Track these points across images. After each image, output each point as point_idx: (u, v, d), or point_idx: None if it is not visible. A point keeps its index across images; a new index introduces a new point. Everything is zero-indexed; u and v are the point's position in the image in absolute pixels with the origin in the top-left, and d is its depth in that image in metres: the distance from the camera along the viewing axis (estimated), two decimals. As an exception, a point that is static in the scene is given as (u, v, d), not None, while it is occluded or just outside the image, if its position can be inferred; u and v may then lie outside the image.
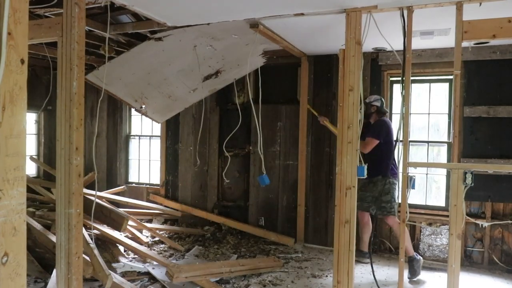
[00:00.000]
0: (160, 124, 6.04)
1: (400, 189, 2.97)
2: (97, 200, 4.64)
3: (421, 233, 4.53)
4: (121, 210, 5.28)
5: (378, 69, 4.69)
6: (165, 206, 5.80)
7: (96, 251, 3.45)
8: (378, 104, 4.24)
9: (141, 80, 4.72)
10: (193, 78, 4.85)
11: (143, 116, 6.40)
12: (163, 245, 4.80)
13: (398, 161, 3.18)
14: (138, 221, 4.97)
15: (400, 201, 2.96)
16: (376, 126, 4.16)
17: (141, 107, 4.98)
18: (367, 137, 4.06)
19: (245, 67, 4.56)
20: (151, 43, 4.16)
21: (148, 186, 6.09)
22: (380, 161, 4.00)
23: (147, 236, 5.01)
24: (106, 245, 4.32)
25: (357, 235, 3.40)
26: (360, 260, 4.28)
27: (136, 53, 4.31)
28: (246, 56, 4.30)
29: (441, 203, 4.64)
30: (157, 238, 4.98)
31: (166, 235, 5.22)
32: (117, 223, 4.22)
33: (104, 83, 3.83)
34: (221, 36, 4.09)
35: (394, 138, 4.00)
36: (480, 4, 2.78)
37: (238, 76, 5.06)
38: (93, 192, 5.15)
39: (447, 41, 3.98)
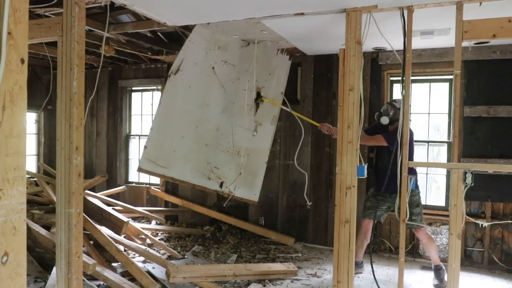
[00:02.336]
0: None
1: (400, 189, 2.97)
2: (98, 203, 4.67)
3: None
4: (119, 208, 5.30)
5: (378, 69, 4.68)
6: (165, 203, 5.80)
7: (134, 260, 3.58)
8: (382, 120, 3.92)
9: (195, 143, 3.96)
10: (241, 113, 4.03)
11: (143, 116, 6.41)
12: (165, 244, 4.80)
13: (401, 162, 3.05)
14: (139, 228, 4.97)
15: (400, 201, 2.96)
16: (396, 133, 3.69)
17: (221, 185, 3.95)
18: (379, 135, 3.76)
19: (278, 72, 4.01)
20: (174, 80, 3.77)
21: (148, 186, 6.09)
22: (411, 173, 3.69)
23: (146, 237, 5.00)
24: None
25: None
26: (358, 271, 4.01)
27: (168, 103, 3.81)
28: (269, 60, 3.94)
29: (441, 203, 4.64)
30: (157, 238, 4.98)
31: (166, 235, 5.22)
32: (117, 226, 4.24)
33: (162, 166, 3.48)
34: (224, 40, 3.99)
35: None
36: (480, 4, 2.78)
37: (282, 86, 4.23)
38: (96, 194, 5.20)
39: (447, 41, 3.98)
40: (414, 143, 4.40)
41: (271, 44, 3.91)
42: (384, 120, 3.81)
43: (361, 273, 4.07)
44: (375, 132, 3.92)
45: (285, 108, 4.12)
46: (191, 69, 3.80)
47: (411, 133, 3.85)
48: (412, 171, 3.68)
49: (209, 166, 3.95)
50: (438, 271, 3.80)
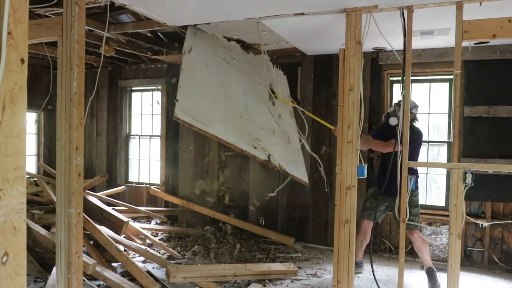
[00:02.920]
0: (160, 124, 6.05)
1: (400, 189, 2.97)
2: (98, 203, 4.67)
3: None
4: (120, 207, 5.30)
5: (378, 69, 4.68)
6: (165, 203, 5.80)
7: (134, 260, 3.55)
8: (415, 112, 3.86)
9: (229, 112, 3.74)
10: (261, 101, 3.97)
11: (143, 116, 6.41)
12: (164, 244, 4.80)
13: (401, 162, 3.03)
14: (139, 228, 4.96)
15: (400, 201, 2.96)
16: (411, 135, 3.71)
17: (268, 158, 3.65)
18: (393, 140, 3.60)
19: (280, 82, 3.98)
20: (189, 57, 3.64)
21: (148, 186, 6.09)
22: (412, 173, 3.72)
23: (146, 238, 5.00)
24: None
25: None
26: (358, 271, 4.03)
27: (190, 72, 3.63)
28: (269, 70, 3.87)
29: (441, 203, 4.64)
30: (157, 238, 4.98)
31: (166, 235, 5.22)
32: (117, 226, 4.24)
33: (201, 122, 3.22)
34: (227, 43, 4.07)
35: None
36: (480, 4, 2.78)
37: (287, 96, 4.23)
38: (96, 194, 5.21)
39: (447, 41, 3.98)
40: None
41: (266, 57, 3.93)
42: (393, 121, 3.72)
43: (360, 273, 4.06)
44: (383, 135, 3.85)
45: (298, 107, 4.11)
46: (203, 54, 3.73)
47: (421, 134, 3.83)
48: (413, 171, 3.68)
49: (250, 136, 3.65)
50: (431, 273, 3.78)
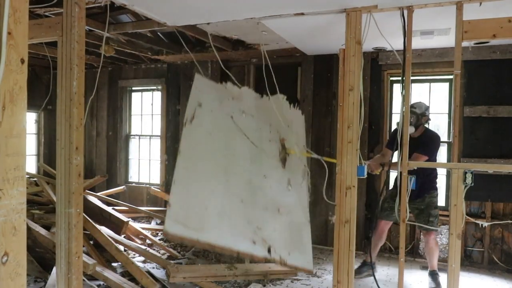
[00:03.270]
0: (160, 124, 6.05)
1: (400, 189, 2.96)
2: (98, 203, 4.66)
3: (421, 233, 4.53)
4: (121, 207, 5.29)
5: (378, 69, 4.68)
6: (165, 202, 5.79)
7: (134, 260, 3.52)
8: (428, 114, 3.76)
9: (229, 198, 3.27)
10: (270, 164, 3.50)
11: (143, 116, 6.42)
12: (164, 244, 4.79)
13: (402, 162, 3.03)
14: (139, 228, 4.96)
15: (400, 201, 2.96)
16: (429, 142, 3.68)
17: (269, 249, 3.19)
18: (415, 153, 3.53)
19: (295, 125, 3.58)
20: (191, 128, 3.20)
21: (148, 186, 6.09)
22: (436, 175, 3.78)
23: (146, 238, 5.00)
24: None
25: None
26: (370, 273, 3.85)
27: (189, 152, 3.20)
28: (284, 113, 3.52)
29: (441, 203, 4.63)
30: (157, 238, 4.98)
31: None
32: (117, 226, 4.24)
33: (194, 229, 2.86)
34: (236, 91, 3.60)
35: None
36: (480, 4, 2.78)
37: (303, 139, 3.77)
38: (97, 194, 5.21)
39: (447, 41, 3.98)
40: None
41: (282, 97, 3.61)
42: (410, 129, 3.52)
43: (371, 275, 3.81)
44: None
45: (314, 155, 3.69)
46: (208, 116, 3.35)
47: (439, 138, 3.76)
48: (433, 172, 3.71)
49: (251, 226, 3.23)
50: (435, 276, 3.76)
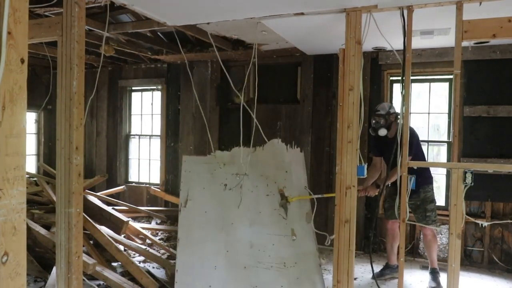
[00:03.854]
0: (160, 124, 6.05)
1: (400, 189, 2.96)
2: (98, 203, 4.66)
3: (421, 233, 4.53)
4: (121, 207, 5.29)
5: (378, 69, 4.68)
6: (165, 202, 5.80)
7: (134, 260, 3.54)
8: (394, 110, 3.88)
9: (231, 269, 3.37)
10: (271, 220, 3.46)
11: (143, 116, 6.42)
12: (164, 244, 4.79)
13: (401, 162, 3.02)
14: (139, 228, 4.96)
15: (400, 201, 2.96)
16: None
17: None
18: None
19: (294, 167, 3.58)
20: (186, 212, 3.38)
21: (148, 185, 6.09)
22: (429, 170, 3.85)
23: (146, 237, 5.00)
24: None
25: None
26: (393, 276, 3.91)
27: (187, 237, 3.41)
28: (281, 158, 3.54)
29: (441, 202, 4.64)
30: (157, 238, 4.98)
31: (166, 235, 5.22)
32: (117, 226, 4.24)
33: None
34: (227, 156, 3.64)
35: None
36: (480, 3, 2.77)
37: (304, 180, 3.74)
38: (97, 194, 5.21)
39: (447, 40, 3.98)
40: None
41: (277, 141, 3.61)
42: (383, 132, 3.77)
43: (396, 278, 3.72)
44: (380, 149, 3.96)
45: (315, 196, 3.65)
46: (201, 195, 3.50)
47: (414, 131, 3.77)
48: (424, 172, 3.73)
49: None
50: (435, 274, 3.77)
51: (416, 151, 3.67)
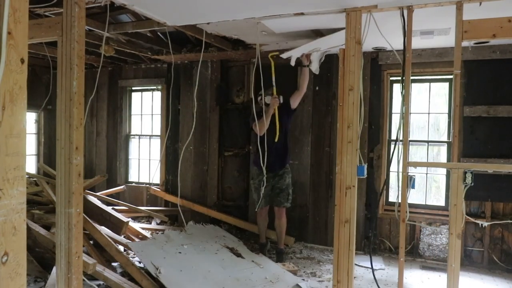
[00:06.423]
0: (160, 124, 6.05)
1: (401, 189, 2.97)
2: (98, 203, 4.66)
3: (421, 233, 4.53)
4: (121, 207, 5.29)
5: (378, 69, 4.68)
6: (165, 202, 5.80)
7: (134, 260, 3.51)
8: (262, 92, 4.32)
9: None
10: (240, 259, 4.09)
11: (143, 116, 6.42)
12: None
13: (398, 161, 3.04)
14: (139, 228, 4.95)
15: (400, 201, 2.96)
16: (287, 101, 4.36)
17: None
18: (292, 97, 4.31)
19: None
20: (162, 276, 3.43)
21: (148, 185, 6.09)
22: (289, 150, 4.35)
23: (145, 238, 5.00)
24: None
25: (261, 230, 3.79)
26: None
27: None
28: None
29: (441, 202, 4.64)
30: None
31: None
32: (117, 226, 4.24)
33: None
34: (166, 234, 4.37)
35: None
36: (480, 3, 2.78)
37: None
38: (97, 194, 5.20)
39: (447, 40, 3.98)
40: (414, 142, 4.52)
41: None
42: (268, 99, 4.21)
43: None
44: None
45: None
46: (166, 262, 3.69)
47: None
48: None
49: None
50: (281, 255, 4.35)
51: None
